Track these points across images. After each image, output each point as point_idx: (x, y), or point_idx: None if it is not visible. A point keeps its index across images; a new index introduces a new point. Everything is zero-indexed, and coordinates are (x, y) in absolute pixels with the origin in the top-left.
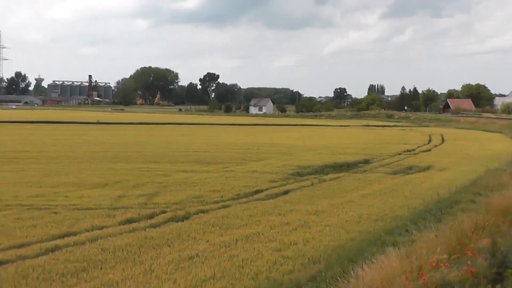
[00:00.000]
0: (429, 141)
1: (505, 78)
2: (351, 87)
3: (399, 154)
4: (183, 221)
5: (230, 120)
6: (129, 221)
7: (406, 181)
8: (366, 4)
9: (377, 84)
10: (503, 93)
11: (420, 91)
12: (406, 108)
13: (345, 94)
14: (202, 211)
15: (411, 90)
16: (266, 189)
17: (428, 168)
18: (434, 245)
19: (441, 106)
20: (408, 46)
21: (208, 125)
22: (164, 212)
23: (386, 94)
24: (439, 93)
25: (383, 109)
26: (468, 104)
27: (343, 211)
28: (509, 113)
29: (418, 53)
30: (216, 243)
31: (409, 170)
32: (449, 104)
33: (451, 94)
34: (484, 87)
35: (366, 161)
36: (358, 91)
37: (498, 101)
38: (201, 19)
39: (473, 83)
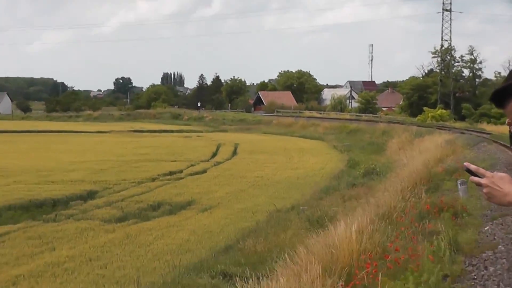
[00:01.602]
0: (214, 155)
1: (328, 65)
2: (140, 77)
3: (154, 179)
4: None
5: None
6: None
7: (126, 239)
8: None
9: (174, 73)
10: (338, 83)
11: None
12: (200, 105)
13: (130, 86)
14: None
15: (213, 79)
16: None
17: (187, 205)
18: None
19: (251, 102)
20: (216, 23)
21: None
22: None
23: (186, 85)
24: (250, 83)
25: (172, 106)
26: (287, 98)
27: None
28: (341, 110)
29: (230, 32)
30: None
31: (152, 210)
32: (262, 98)
33: (265, 85)
34: (308, 75)
35: (91, 195)
36: (149, 82)
37: (327, 94)
38: None
39: (295, 70)
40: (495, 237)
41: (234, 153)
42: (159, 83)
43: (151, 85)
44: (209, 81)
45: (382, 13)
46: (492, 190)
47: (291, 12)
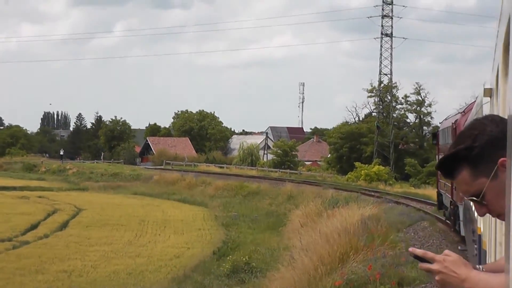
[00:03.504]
0: (33, 227)
1: (251, 108)
2: (17, 116)
3: None
4: None
5: None
6: None
7: None
8: None
9: (59, 112)
10: (261, 129)
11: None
12: (62, 153)
13: (1, 127)
14: None
15: (95, 121)
16: None
17: None
18: None
19: (137, 149)
20: (118, 52)
21: None
22: None
23: (72, 128)
24: (139, 128)
25: (42, 155)
26: (183, 146)
27: None
28: (252, 163)
29: (134, 63)
30: None
31: None
32: (151, 146)
33: (156, 129)
34: (212, 116)
35: None
36: (28, 123)
37: (237, 142)
38: None
39: (199, 110)
40: None
41: (65, 225)
42: (39, 125)
43: (7, 126)
44: (86, 122)
45: (317, 48)
46: (446, 276)
47: (210, 41)
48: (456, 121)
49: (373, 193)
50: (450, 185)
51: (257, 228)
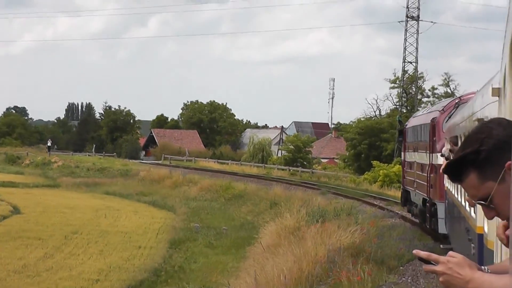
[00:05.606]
0: None
1: (281, 103)
2: (42, 107)
3: None
4: None
5: None
6: None
7: None
8: None
9: (83, 104)
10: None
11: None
12: (50, 144)
13: (26, 118)
14: None
15: (104, 111)
16: None
17: None
18: None
19: (141, 141)
20: (152, 46)
21: None
22: None
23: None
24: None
25: (47, 146)
26: (191, 139)
27: None
28: (263, 160)
29: (169, 55)
30: None
31: None
32: (155, 138)
33: (163, 120)
34: (224, 108)
35: None
36: (53, 114)
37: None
38: None
39: (210, 101)
40: None
41: None
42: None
43: (4, 113)
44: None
45: (352, 45)
46: (450, 278)
47: (244, 36)
48: (434, 118)
49: (377, 202)
50: (424, 183)
51: (220, 247)
